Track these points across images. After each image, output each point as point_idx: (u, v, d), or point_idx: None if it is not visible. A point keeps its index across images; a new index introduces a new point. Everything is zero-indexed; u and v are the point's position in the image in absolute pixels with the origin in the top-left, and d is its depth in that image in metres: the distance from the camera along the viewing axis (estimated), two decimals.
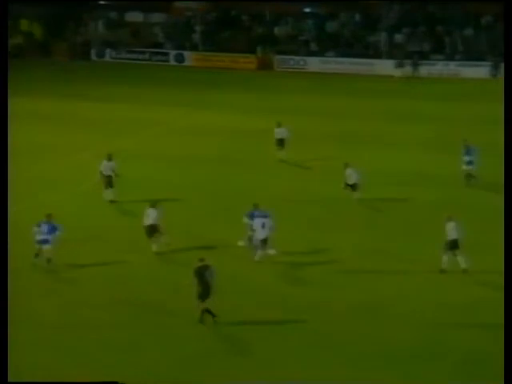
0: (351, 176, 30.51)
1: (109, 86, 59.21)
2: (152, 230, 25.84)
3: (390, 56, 66.75)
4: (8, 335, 17.52)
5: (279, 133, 37.23)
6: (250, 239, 25.79)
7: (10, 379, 16.80)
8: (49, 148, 39.59)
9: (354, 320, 21.38)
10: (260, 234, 24.87)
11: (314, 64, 67.94)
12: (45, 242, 24.29)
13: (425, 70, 64.88)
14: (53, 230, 24.34)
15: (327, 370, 18.80)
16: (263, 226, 24.82)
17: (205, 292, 20.41)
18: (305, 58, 68.50)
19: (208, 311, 20.63)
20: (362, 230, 28.42)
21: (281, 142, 37.02)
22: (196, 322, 20.70)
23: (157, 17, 75.54)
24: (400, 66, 64.26)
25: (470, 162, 32.94)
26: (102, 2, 76.85)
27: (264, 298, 22.70)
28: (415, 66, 64.83)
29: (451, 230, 24.05)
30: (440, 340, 20.10)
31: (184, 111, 49.36)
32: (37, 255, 24.51)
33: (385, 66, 65.40)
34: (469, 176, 33.03)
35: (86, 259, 25.37)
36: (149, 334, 20.50)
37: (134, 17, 75.71)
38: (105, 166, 30.92)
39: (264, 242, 24.90)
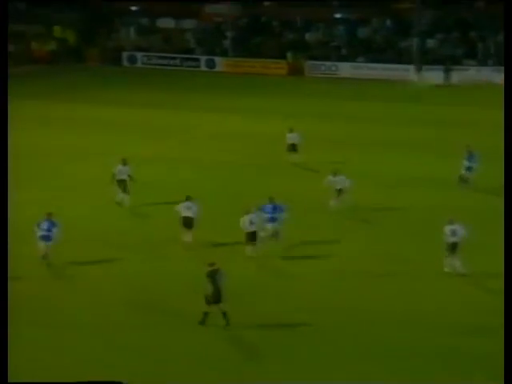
0: (339, 182, 30.29)
1: (140, 91, 59.31)
2: (188, 223, 26.56)
3: (422, 61, 66.35)
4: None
5: (291, 138, 37.43)
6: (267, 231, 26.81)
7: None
8: (80, 151, 39.71)
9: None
10: (247, 229, 25.53)
11: (346, 70, 67.73)
12: (46, 238, 24.60)
13: (457, 75, 64.37)
14: (53, 226, 24.70)
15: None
16: (251, 222, 25.45)
17: (216, 296, 20.50)
18: (336, 63, 68.30)
19: (223, 315, 20.67)
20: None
21: (293, 147, 37.27)
22: (203, 324, 20.75)
23: (188, 23, 75.72)
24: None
25: (468, 168, 33.56)
26: (133, 8, 77.23)
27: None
28: (447, 71, 64.34)
29: (452, 233, 24.10)
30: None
31: (214, 117, 49.27)
32: (43, 257, 24.77)
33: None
34: (464, 180, 33.66)
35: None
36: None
37: (166, 23, 75.92)
38: (119, 171, 30.95)
39: (252, 236, 25.47)
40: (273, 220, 26.46)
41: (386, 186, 34.09)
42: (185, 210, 26.60)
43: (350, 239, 27.67)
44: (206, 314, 20.66)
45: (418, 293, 23.32)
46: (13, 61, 69.04)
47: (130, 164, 31.34)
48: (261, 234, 26.25)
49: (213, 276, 20.55)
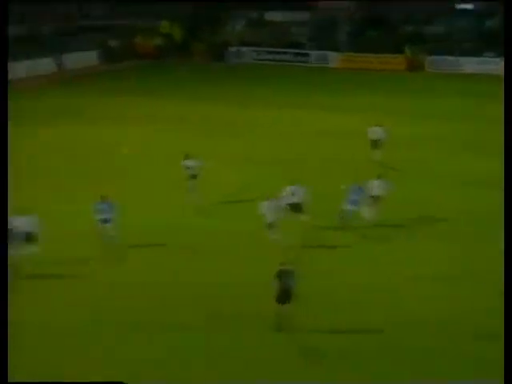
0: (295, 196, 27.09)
1: (247, 87, 56.54)
2: (296, 208, 26.15)
3: None
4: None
5: (374, 133, 34.67)
6: None
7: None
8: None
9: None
10: (267, 216, 24.97)
11: (470, 65, 62.62)
12: (107, 221, 24.66)
13: None
14: (111, 208, 24.71)
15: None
16: (268, 209, 24.90)
17: (284, 297, 19.87)
18: (459, 58, 63.33)
19: (287, 318, 19.96)
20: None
21: (375, 143, 34.52)
22: (262, 325, 20.07)
23: (298, 16, 72.03)
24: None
25: None
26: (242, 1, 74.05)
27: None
28: None
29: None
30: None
31: (325, 114, 46.09)
32: (101, 235, 24.76)
33: None
34: None
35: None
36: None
37: (275, 16, 72.74)
38: (185, 166, 29.60)
39: (271, 223, 24.88)
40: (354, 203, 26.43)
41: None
42: (290, 196, 26.10)
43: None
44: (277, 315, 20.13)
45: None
46: (117, 56, 67.58)
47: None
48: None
49: (280, 276, 19.96)
